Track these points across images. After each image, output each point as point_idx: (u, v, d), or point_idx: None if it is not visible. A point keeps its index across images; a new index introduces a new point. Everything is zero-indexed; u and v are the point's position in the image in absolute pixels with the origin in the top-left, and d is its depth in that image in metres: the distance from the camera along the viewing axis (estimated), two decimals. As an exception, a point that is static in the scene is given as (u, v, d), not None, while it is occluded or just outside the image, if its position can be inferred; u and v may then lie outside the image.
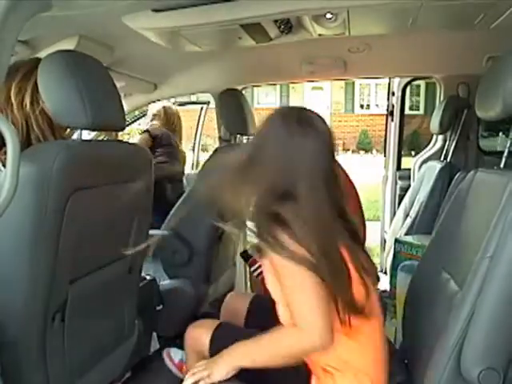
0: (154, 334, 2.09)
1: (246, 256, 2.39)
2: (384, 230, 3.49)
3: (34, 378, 1.22)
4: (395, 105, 3.27)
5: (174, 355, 1.89)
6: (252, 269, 2.25)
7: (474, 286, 0.97)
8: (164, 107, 3.27)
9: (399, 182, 3.27)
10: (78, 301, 1.29)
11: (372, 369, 1.17)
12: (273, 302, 1.21)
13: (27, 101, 1.31)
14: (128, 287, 1.58)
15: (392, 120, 3.30)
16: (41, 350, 1.21)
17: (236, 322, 1.49)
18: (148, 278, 2.07)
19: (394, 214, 3.20)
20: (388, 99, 3.35)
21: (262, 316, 1.41)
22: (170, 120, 3.24)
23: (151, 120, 3.26)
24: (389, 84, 3.36)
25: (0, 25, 0.93)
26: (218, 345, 1.28)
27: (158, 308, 2.10)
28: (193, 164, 3.76)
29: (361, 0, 1.46)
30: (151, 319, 1.97)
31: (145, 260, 1.80)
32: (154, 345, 2.10)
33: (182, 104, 3.82)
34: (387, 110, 3.37)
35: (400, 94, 3.25)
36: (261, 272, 2.23)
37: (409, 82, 3.30)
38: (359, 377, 1.14)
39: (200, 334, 1.40)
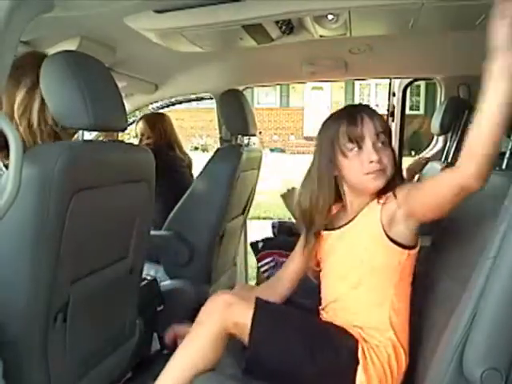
0: (155, 334, 2.09)
1: (255, 248, 2.39)
2: None
3: (36, 378, 1.22)
4: (396, 105, 3.27)
5: None
6: (260, 264, 2.25)
7: (476, 287, 0.97)
8: (143, 118, 2.80)
9: None
10: (80, 301, 1.29)
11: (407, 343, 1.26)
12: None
13: (34, 121, 1.29)
14: (129, 288, 1.59)
15: (393, 121, 3.30)
16: (42, 350, 1.21)
17: None
18: (149, 278, 2.08)
19: None
20: (389, 100, 3.35)
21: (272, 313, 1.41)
22: (158, 132, 2.74)
23: (141, 137, 2.80)
24: (389, 84, 3.36)
25: (3, 26, 0.94)
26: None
27: (159, 308, 2.10)
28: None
29: (362, 1, 1.46)
30: (152, 319, 1.97)
31: (146, 260, 1.80)
32: (155, 345, 2.10)
33: (180, 102, 3.66)
34: (388, 110, 3.37)
35: (401, 94, 3.25)
36: (267, 269, 2.23)
37: (410, 83, 3.29)
38: (397, 350, 1.24)
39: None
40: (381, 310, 1.26)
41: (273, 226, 2.71)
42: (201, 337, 1.28)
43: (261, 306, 1.26)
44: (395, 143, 3.29)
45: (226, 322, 1.25)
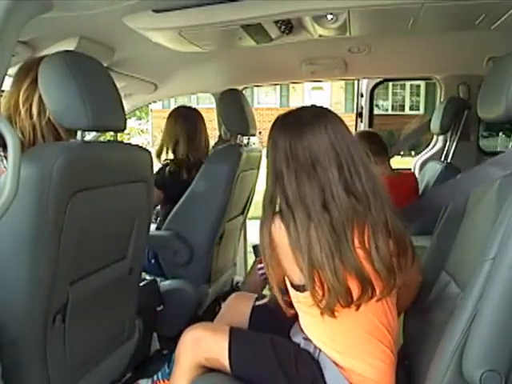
0: (155, 334, 2.09)
1: (257, 250, 2.40)
2: None
3: (35, 378, 1.22)
4: (364, 106, 3.26)
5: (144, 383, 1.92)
6: (258, 266, 2.25)
7: (475, 288, 0.97)
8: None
9: None
10: (79, 302, 1.29)
11: (358, 355, 1.21)
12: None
13: (34, 110, 1.31)
14: (128, 288, 1.58)
15: (361, 121, 3.30)
16: (41, 350, 1.21)
17: (240, 322, 1.49)
18: (148, 278, 2.08)
19: None
20: (357, 101, 3.35)
21: (268, 317, 1.42)
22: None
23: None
24: (358, 86, 3.35)
25: (1, 26, 0.93)
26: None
27: (159, 308, 2.10)
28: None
29: (362, 1, 1.45)
30: (151, 320, 1.97)
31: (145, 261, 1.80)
32: (155, 345, 2.10)
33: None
34: (356, 111, 3.36)
35: (369, 95, 3.24)
36: (265, 272, 2.22)
37: (377, 84, 3.29)
38: (344, 358, 1.21)
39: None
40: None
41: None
42: (178, 376, 1.33)
43: (235, 335, 1.30)
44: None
45: (198, 359, 1.30)
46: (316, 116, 1.24)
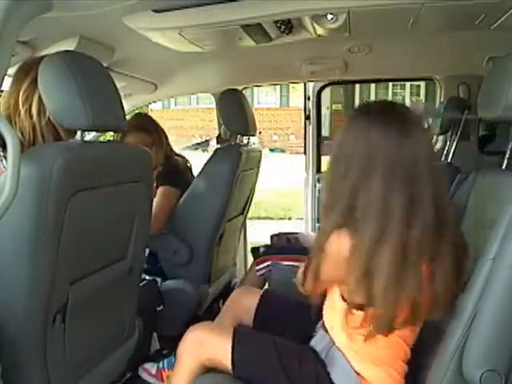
0: (155, 334, 2.09)
1: (256, 253, 2.42)
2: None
3: (35, 379, 1.22)
4: (311, 109, 3.24)
5: (150, 368, 1.94)
6: (257, 268, 2.27)
7: (476, 288, 0.97)
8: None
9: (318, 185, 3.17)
10: (79, 302, 1.29)
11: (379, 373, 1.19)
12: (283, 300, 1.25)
13: (34, 110, 1.32)
14: (128, 288, 1.58)
15: (309, 124, 3.28)
16: (41, 350, 1.21)
17: (244, 317, 1.49)
18: (148, 278, 2.08)
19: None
20: (304, 103, 3.32)
21: (273, 312, 1.42)
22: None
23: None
24: (304, 89, 3.33)
25: (0, 26, 0.93)
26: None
27: (159, 308, 2.10)
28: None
29: (362, 1, 1.46)
30: (151, 319, 1.97)
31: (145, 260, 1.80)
32: (155, 345, 2.10)
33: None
34: (304, 113, 3.33)
35: (315, 98, 3.23)
36: (264, 272, 2.25)
37: (323, 87, 3.27)
38: (364, 368, 1.19)
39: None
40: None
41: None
42: (179, 376, 1.33)
43: (239, 335, 1.29)
44: (313, 146, 3.27)
45: (200, 359, 1.30)
46: (419, 117, 1.17)
